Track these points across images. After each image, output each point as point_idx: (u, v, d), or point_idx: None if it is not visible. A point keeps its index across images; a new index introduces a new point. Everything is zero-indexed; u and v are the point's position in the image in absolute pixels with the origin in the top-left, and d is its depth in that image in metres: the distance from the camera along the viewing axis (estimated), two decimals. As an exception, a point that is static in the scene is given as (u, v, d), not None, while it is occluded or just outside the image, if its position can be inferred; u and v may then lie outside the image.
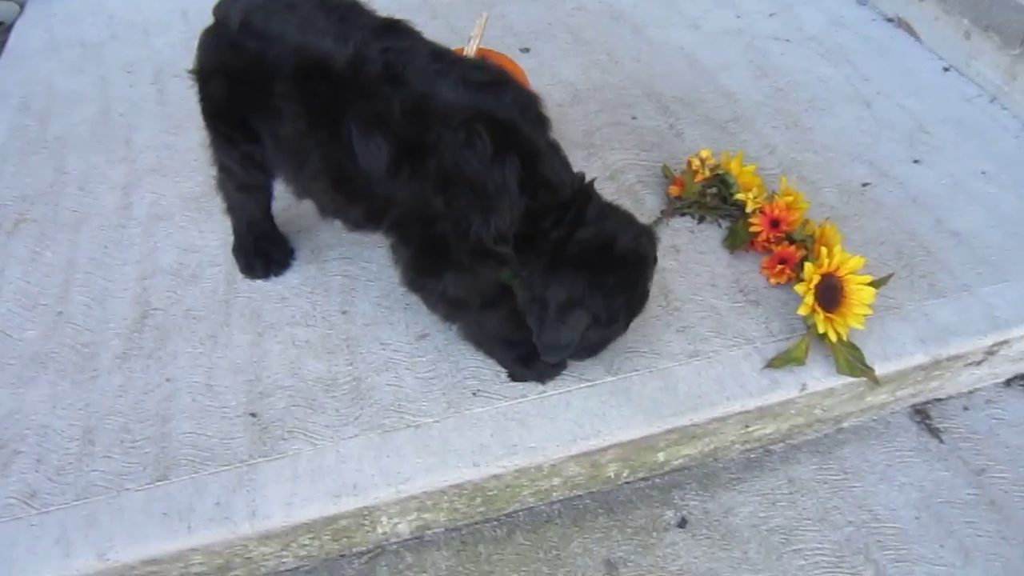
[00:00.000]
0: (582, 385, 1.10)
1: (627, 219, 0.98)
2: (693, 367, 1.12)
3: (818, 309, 1.09)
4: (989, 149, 1.49)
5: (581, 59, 1.73)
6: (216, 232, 1.30)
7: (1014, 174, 1.43)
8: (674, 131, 1.53)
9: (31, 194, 1.40)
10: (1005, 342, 1.19)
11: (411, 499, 1.01)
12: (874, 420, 1.24)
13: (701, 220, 1.35)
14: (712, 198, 1.34)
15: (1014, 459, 1.15)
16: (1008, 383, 1.29)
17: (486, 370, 1.11)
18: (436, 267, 0.95)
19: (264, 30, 0.97)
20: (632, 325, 1.05)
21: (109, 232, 1.32)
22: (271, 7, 1.00)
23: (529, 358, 1.08)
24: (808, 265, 1.10)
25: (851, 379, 1.12)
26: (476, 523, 1.10)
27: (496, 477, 1.03)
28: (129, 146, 1.49)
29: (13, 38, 1.81)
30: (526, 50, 1.74)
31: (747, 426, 1.14)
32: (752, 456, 1.19)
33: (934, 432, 1.22)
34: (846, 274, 1.11)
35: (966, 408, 1.26)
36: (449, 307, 1.03)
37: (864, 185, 1.41)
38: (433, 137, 0.88)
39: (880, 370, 1.12)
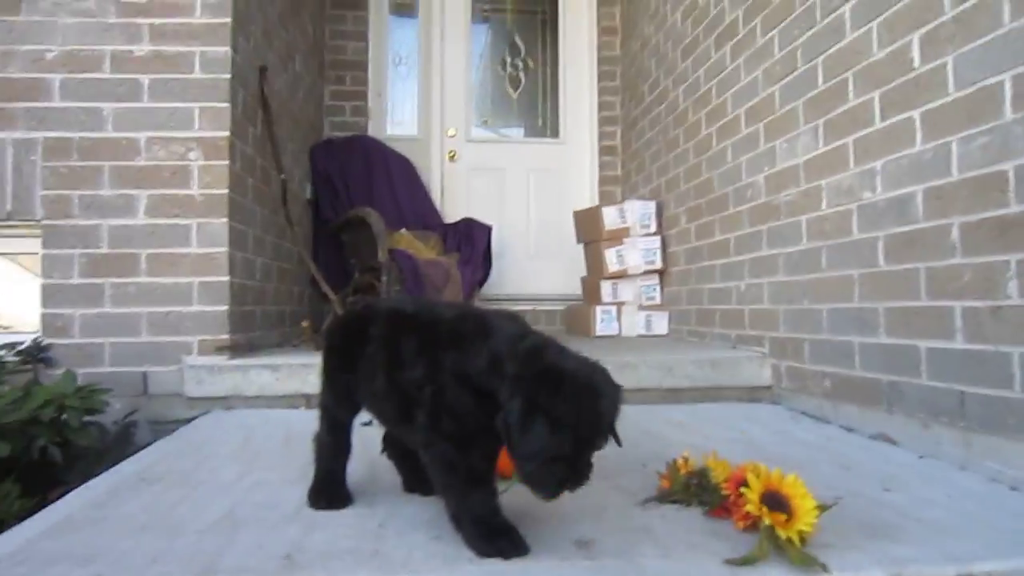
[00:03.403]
0: (560, 560, 1.28)
1: (583, 358, 1.28)
2: (662, 562, 1.28)
3: (764, 509, 1.29)
4: (955, 488, 1.71)
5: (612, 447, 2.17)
6: (299, 495, 1.65)
7: (978, 502, 1.62)
8: (677, 473, 1.86)
9: (175, 471, 1.86)
10: (971, 577, 1.27)
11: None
12: None
13: (688, 505, 1.59)
14: (694, 487, 1.61)
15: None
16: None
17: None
18: (443, 423, 1.32)
19: (373, 308, 1.58)
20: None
21: (221, 489, 1.72)
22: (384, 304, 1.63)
23: (492, 538, 1.31)
24: (750, 476, 1.34)
25: (814, 584, 1.23)
26: None
27: (474, 611, 1.16)
28: (253, 461, 1.97)
29: (197, 422, 2.50)
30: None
31: (721, 632, 1.21)
32: None
33: None
34: (787, 490, 1.33)
35: None
36: (446, 469, 1.33)
37: (835, 502, 1.63)
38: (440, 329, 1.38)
39: (838, 577, 1.23)
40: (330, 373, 1.62)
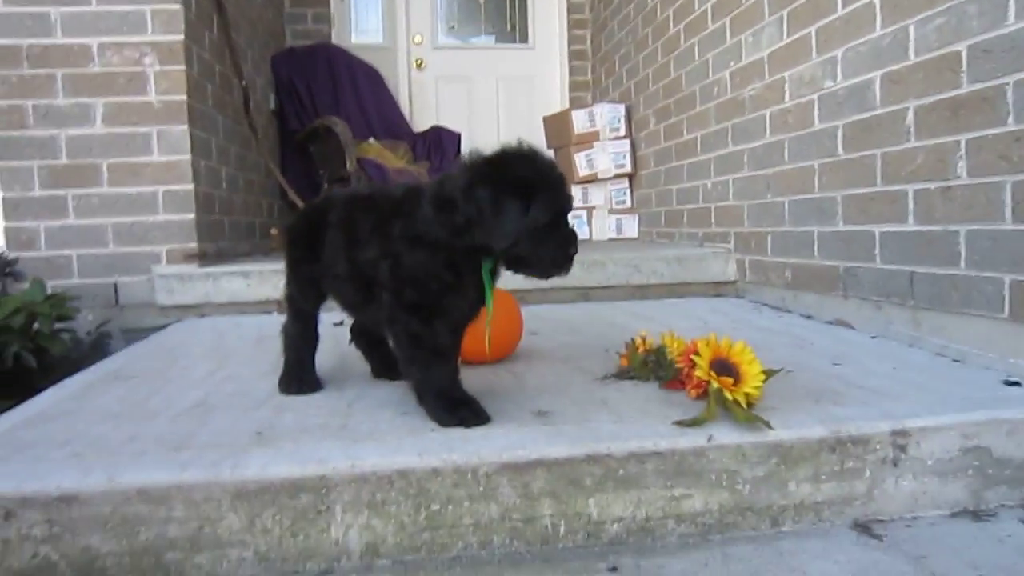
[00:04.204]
0: (519, 426, 1.34)
1: None
2: (616, 425, 1.35)
3: (712, 374, 1.36)
4: (901, 361, 1.79)
5: (578, 336, 2.23)
6: (271, 385, 1.70)
7: (921, 372, 1.70)
8: (638, 356, 1.93)
9: (148, 369, 1.91)
10: (907, 433, 1.35)
11: (363, 481, 1.20)
12: (813, 526, 1.34)
13: (645, 380, 1.67)
14: (652, 364, 1.68)
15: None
16: (954, 515, 1.37)
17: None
18: (405, 293, 1.36)
19: (331, 198, 1.59)
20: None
21: (194, 383, 1.76)
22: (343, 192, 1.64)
23: (453, 409, 1.37)
24: (701, 344, 1.41)
25: (760, 441, 1.30)
26: (421, 558, 1.23)
27: (436, 473, 1.22)
28: (225, 359, 2.02)
29: (169, 328, 2.53)
30: (534, 333, 2.27)
31: (671, 487, 1.29)
32: (691, 541, 1.29)
33: (875, 536, 1.30)
34: (735, 357, 1.39)
35: (909, 526, 1.34)
36: (411, 342, 1.37)
37: (787, 371, 1.71)
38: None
39: (782, 436, 1.31)
40: (294, 264, 1.65)
